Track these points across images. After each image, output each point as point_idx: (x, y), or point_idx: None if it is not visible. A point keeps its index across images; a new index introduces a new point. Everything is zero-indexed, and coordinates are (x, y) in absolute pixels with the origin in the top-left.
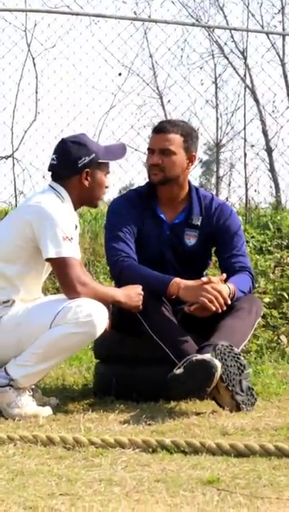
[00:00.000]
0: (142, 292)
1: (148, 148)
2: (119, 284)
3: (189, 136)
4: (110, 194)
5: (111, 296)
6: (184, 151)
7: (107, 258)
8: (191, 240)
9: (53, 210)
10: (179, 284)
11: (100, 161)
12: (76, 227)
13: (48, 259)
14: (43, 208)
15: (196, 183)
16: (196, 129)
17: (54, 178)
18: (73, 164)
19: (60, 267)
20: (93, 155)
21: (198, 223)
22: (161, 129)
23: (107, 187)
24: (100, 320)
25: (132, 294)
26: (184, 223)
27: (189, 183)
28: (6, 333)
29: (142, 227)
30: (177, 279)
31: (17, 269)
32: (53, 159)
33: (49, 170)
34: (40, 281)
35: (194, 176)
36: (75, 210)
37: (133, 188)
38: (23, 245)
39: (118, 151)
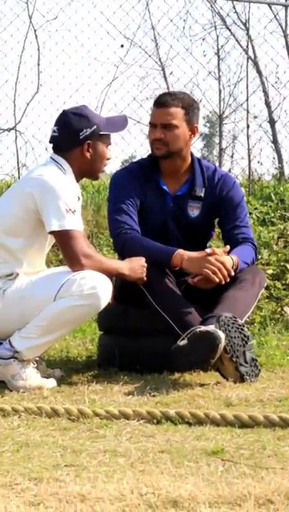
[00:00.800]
0: (146, 264)
1: (150, 123)
2: (122, 256)
3: (190, 108)
4: (113, 166)
5: (115, 269)
6: (185, 123)
7: (110, 230)
8: (194, 211)
9: (55, 182)
10: (183, 255)
11: (101, 132)
12: (78, 198)
13: (52, 232)
14: (45, 180)
15: (198, 155)
16: (196, 100)
17: (55, 150)
18: (75, 136)
19: (63, 239)
20: (94, 127)
21: (202, 195)
22: (162, 103)
23: (108, 159)
24: (105, 292)
25: (136, 266)
26: (187, 195)
27: (192, 154)
28: (10, 306)
29: (145, 199)
30: (180, 251)
31: (20, 242)
32: (54, 131)
33: (50, 142)
34: (44, 253)
35: (197, 148)
36: (77, 181)
37: (135, 160)
38: (25, 218)
39: (120, 122)
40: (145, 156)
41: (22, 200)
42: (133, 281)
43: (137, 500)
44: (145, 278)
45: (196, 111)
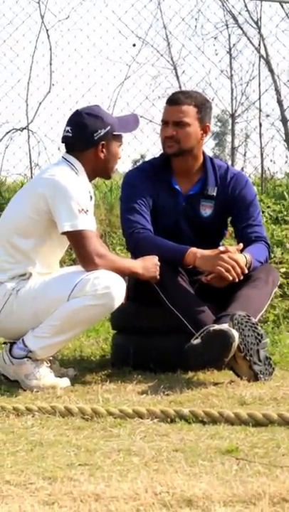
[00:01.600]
0: (159, 263)
1: (162, 120)
2: (135, 256)
3: (203, 106)
4: (125, 166)
5: (128, 268)
6: (198, 122)
7: (123, 230)
8: (206, 210)
9: (67, 182)
10: (196, 253)
11: (114, 133)
12: (91, 198)
13: (64, 233)
14: (57, 180)
15: (210, 154)
16: (209, 100)
17: (68, 150)
18: (89, 137)
19: (76, 239)
20: (109, 127)
21: (214, 194)
22: (174, 101)
23: (119, 158)
24: (118, 292)
25: (149, 265)
26: (200, 194)
27: (204, 153)
28: (24, 306)
29: (157, 198)
30: (193, 249)
31: (31, 242)
32: (67, 131)
33: (63, 142)
34: (58, 254)
35: (209, 146)
36: (90, 181)
37: (147, 159)
38: (37, 219)
39: (132, 122)
40: (157, 156)
41: (34, 201)
42: (146, 280)
43: (152, 499)
44: (158, 277)
45: (209, 110)
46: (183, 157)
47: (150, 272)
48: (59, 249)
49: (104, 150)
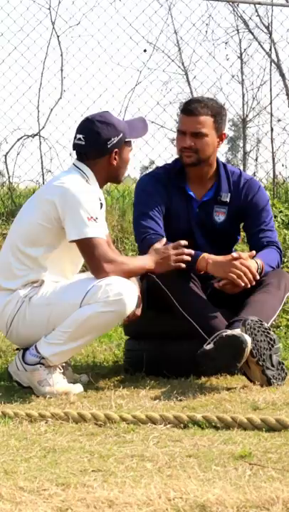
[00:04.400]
0: (170, 251)
1: (179, 130)
2: None
3: (219, 115)
4: (136, 171)
5: (140, 267)
6: (214, 131)
7: (135, 235)
8: (220, 216)
9: (77, 190)
10: (208, 259)
11: (126, 139)
12: (102, 205)
13: (73, 241)
14: (67, 188)
15: (222, 158)
16: (224, 107)
17: (80, 157)
18: (103, 145)
19: (85, 247)
20: (121, 134)
21: (227, 200)
22: (192, 111)
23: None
24: (130, 298)
25: (161, 260)
26: (213, 200)
27: (217, 159)
28: (36, 313)
29: (170, 204)
30: (205, 255)
31: (41, 250)
32: (79, 139)
33: (74, 149)
34: (69, 261)
35: (221, 151)
36: (101, 187)
37: (158, 165)
38: (48, 226)
39: (141, 127)
40: (170, 161)
41: (44, 209)
42: (163, 272)
43: (165, 504)
44: (171, 277)
45: (224, 118)
46: (199, 166)
47: (163, 266)
48: (72, 256)
49: (116, 157)
